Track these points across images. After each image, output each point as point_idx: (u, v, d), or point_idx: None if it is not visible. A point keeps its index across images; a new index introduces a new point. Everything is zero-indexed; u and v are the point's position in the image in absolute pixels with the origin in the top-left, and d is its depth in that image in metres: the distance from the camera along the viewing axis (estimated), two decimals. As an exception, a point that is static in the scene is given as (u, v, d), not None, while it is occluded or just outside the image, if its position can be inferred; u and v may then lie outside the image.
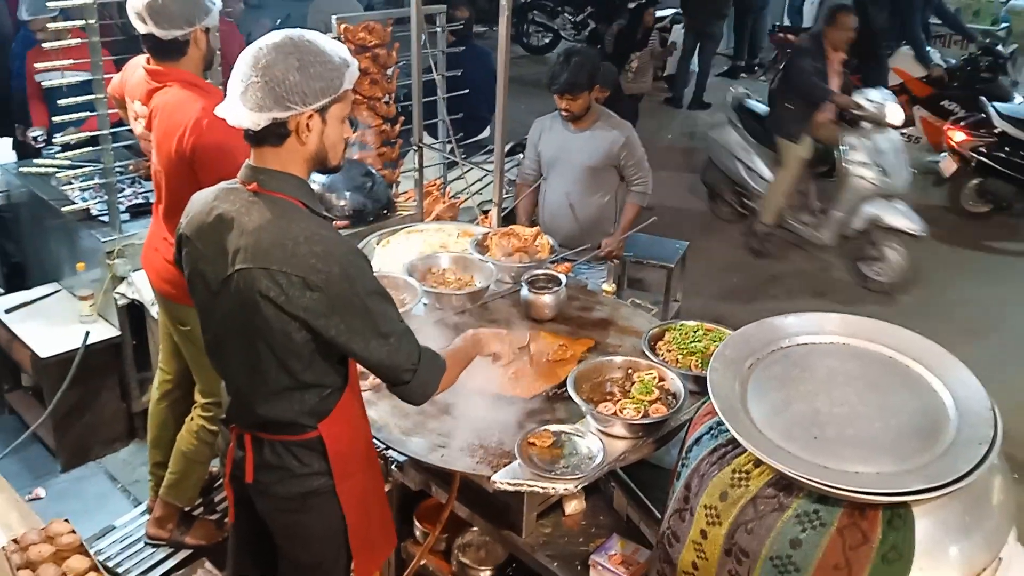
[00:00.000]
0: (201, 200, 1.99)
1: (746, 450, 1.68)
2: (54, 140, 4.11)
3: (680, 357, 2.54)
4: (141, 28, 2.69)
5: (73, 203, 3.95)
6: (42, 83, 3.76)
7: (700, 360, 2.49)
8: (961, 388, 1.76)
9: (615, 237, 4.12)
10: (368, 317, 1.87)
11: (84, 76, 3.64)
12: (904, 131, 8.16)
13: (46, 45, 3.68)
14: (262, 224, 1.85)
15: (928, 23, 8.49)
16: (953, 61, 8.25)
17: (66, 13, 3.62)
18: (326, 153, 1.95)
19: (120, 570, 3.27)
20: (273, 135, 1.87)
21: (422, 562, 2.57)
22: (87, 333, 3.78)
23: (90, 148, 3.74)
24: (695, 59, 10.04)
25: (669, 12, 10.50)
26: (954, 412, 1.72)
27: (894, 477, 1.57)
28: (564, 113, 4.03)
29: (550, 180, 4.20)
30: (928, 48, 8.18)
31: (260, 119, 1.83)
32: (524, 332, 2.57)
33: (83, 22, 3.47)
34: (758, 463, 1.68)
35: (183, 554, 3.32)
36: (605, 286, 3.29)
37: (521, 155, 5.69)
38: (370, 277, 1.90)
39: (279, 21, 8.49)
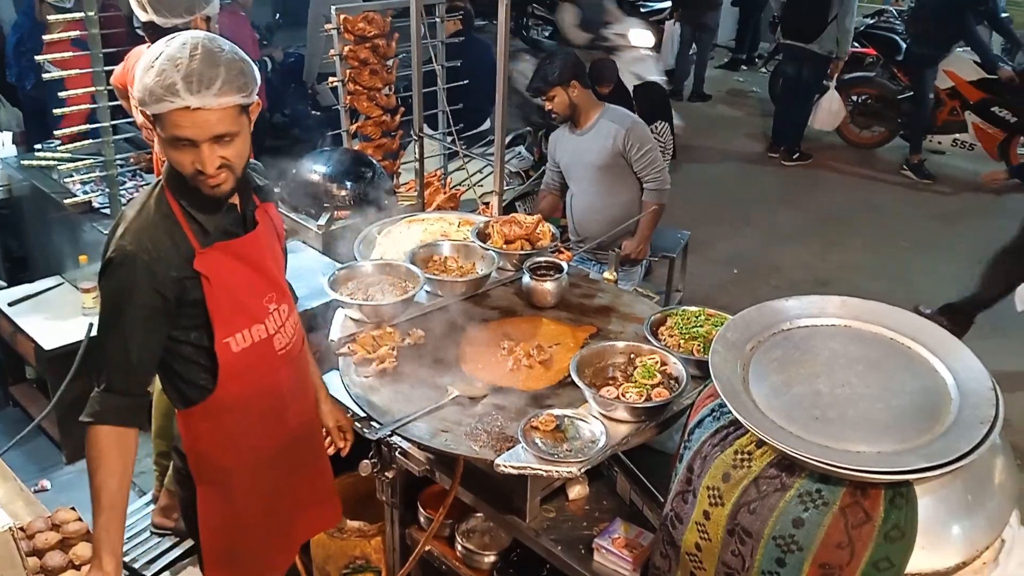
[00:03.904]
0: None
1: (748, 431, 1.69)
2: (55, 133, 4.11)
3: (682, 342, 2.54)
4: (142, 16, 2.70)
5: (75, 196, 3.96)
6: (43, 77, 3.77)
7: (702, 345, 2.50)
8: (963, 369, 1.77)
9: (635, 240, 4.12)
10: (104, 315, 1.95)
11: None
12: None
13: (46, 37, 3.68)
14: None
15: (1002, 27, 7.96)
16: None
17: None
18: (172, 165, 1.86)
19: (126, 559, 3.26)
20: None
21: (427, 548, 2.59)
22: (90, 325, 3.77)
23: (91, 141, 3.74)
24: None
25: (665, 5, 10.47)
26: (955, 392, 1.73)
27: (895, 456, 1.58)
28: (553, 116, 4.09)
29: (571, 187, 4.24)
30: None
31: None
32: None
33: (83, 14, 3.48)
34: (760, 444, 1.69)
35: (188, 543, 3.34)
36: (607, 274, 3.29)
37: (521, 147, 5.72)
38: (117, 294, 1.89)
39: (278, 16, 8.47)
